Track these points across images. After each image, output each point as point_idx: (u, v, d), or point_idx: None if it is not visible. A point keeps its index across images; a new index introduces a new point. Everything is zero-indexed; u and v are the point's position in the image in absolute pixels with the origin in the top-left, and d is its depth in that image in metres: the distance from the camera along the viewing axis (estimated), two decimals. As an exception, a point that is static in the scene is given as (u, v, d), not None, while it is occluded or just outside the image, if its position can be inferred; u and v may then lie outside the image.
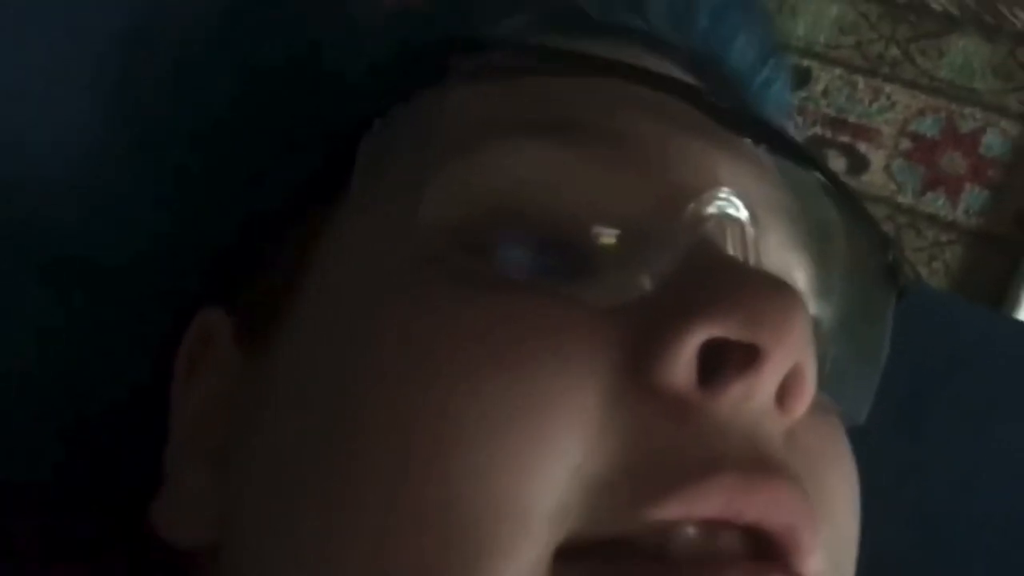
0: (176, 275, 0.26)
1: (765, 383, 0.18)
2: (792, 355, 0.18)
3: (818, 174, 0.21)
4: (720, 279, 0.18)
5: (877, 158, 0.87)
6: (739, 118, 0.21)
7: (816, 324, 0.22)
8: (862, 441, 0.22)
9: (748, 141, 0.21)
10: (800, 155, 0.21)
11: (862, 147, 0.88)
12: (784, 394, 0.18)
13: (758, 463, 0.17)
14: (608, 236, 0.20)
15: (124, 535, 0.22)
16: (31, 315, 0.25)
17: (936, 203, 0.86)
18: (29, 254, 0.25)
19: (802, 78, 0.87)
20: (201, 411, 0.23)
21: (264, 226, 0.25)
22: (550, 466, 0.17)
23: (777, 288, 0.18)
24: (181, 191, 0.26)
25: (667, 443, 0.17)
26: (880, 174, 0.87)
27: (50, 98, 0.25)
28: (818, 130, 0.88)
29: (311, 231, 0.23)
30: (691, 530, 0.17)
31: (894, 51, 0.88)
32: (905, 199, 0.87)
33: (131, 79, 0.26)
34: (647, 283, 0.19)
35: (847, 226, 0.23)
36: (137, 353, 0.26)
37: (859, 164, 0.87)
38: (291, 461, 0.20)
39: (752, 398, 0.18)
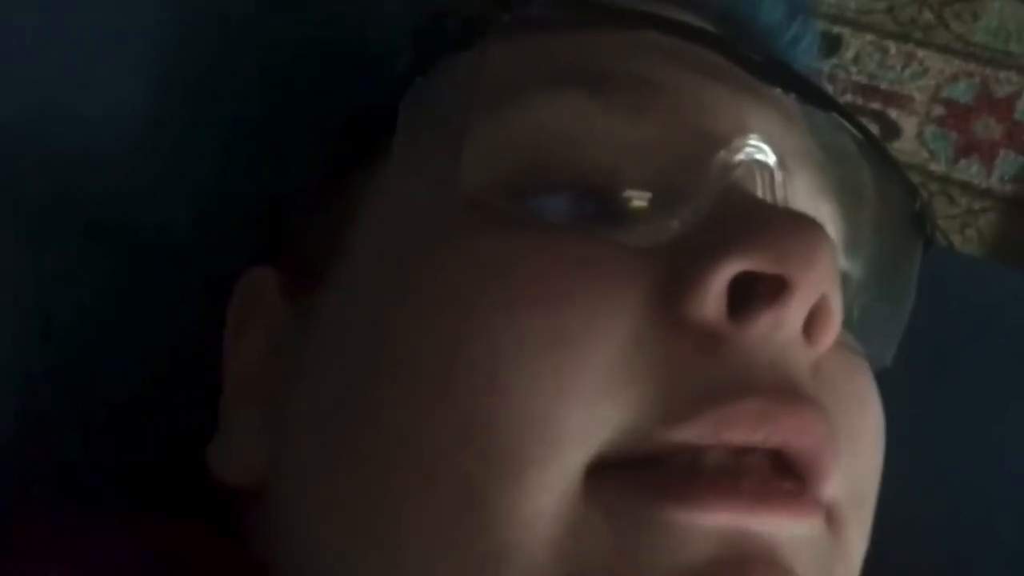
0: (226, 239, 0.27)
1: (793, 314, 0.18)
2: (819, 286, 0.18)
3: (846, 123, 0.22)
4: (749, 217, 0.19)
5: (909, 125, 0.86)
6: (769, 68, 0.21)
7: (845, 275, 0.23)
8: (889, 398, 0.22)
9: (778, 91, 0.21)
10: (830, 104, 0.22)
11: (894, 114, 0.86)
12: (811, 326, 0.19)
13: (785, 390, 0.18)
14: (641, 184, 0.20)
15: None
16: (81, 277, 0.26)
17: (970, 170, 0.85)
18: (83, 222, 0.26)
19: (832, 45, 0.86)
20: (252, 360, 0.24)
21: (310, 188, 0.26)
22: (582, 389, 0.18)
23: (803, 222, 0.19)
24: (231, 156, 0.27)
25: (697, 369, 0.18)
26: (912, 141, 0.86)
27: (107, 73, 0.25)
28: (849, 97, 0.87)
29: (355, 189, 0.23)
30: (718, 455, 0.18)
31: (927, 15, 0.87)
32: (938, 167, 0.85)
33: (181, 45, 0.26)
34: (679, 226, 0.20)
35: (875, 176, 0.23)
36: (186, 318, 0.26)
37: (891, 131, 0.86)
38: (338, 392, 0.21)
39: (780, 329, 0.18)
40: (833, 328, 0.19)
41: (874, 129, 0.85)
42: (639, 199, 0.20)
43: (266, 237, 0.26)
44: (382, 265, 0.21)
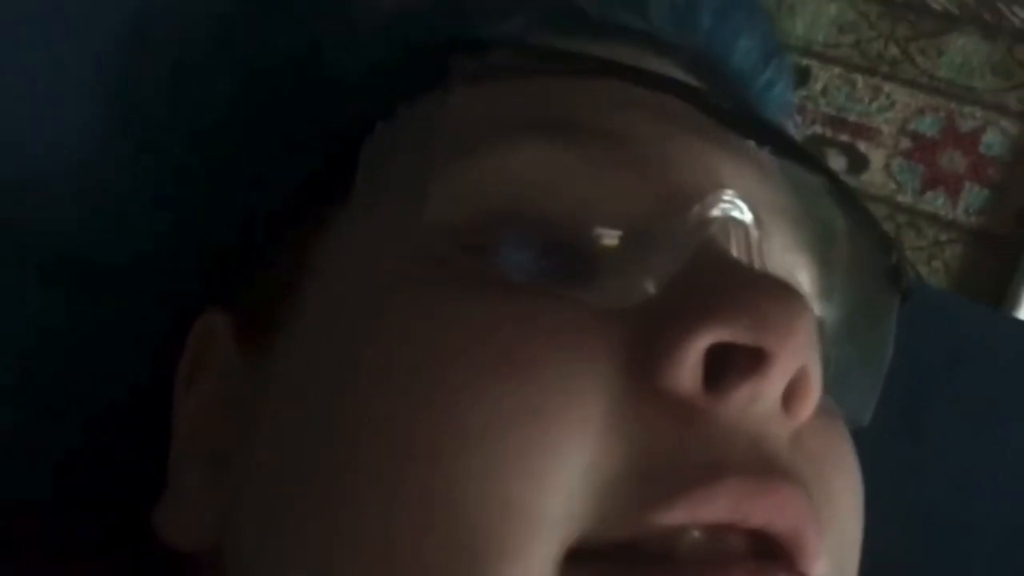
0: (177, 275, 0.26)
1: (771, 386, 0.18)
2: (798, 358, 0.18)
3: (820, 176, 0.21)
4: (725, 282, 0.18)
5: (877, 157, 0.87)
6: (742, 119, 0.21)
7: (820, 326, 0.22)
8: (862, 440, 0.22)
9: (751, 143, 0.21)
10: (803, 157, 0.21)
11: (862, 146, 0.87)
12: (790, 397, 0.18)
13: (764, 467, 0.17)
14: (611, 238, 0.20)
15: (126, 536, 0.22)
16: (31, 315, 0.25)
17: (936, 202, 0.86)
18: (29, 254, 0.25)
19: (801, 77, 0.87)
20: (203, 412, 0.23)
21: (265, 227, 0.25)
22: (556, 469, 0.17)
23: (782, 291, 0.18)
24: (181, 191, 0.26)
25: (673, 447, 0.17)
26: (880, 173, 0.87)
27: (50, 98, 0.25)
28: (818, 129, 0.87)
29: (312, 232, 0.23)
30: (697, 534, 0.17)
31: (893, 50, 0.88)
32: (905, 198, 0.87)
33: (131, 79, 0.26)
34: (651, 286, 0.19)
35: (850, 228, 0.23)
36: (138, 354, 0.26)
37: (859, 163, 0.87)
38: (292, 462, 0.20)
39: (758, 401, 0.18)
40: (812, 399, 0.18)
41: (842, 161, 0.87)
42: (608, 254, 0.19)
43: (222, 271, 0.25)
44: (338, 323, 0.20)
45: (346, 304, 0.20)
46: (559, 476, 0.17)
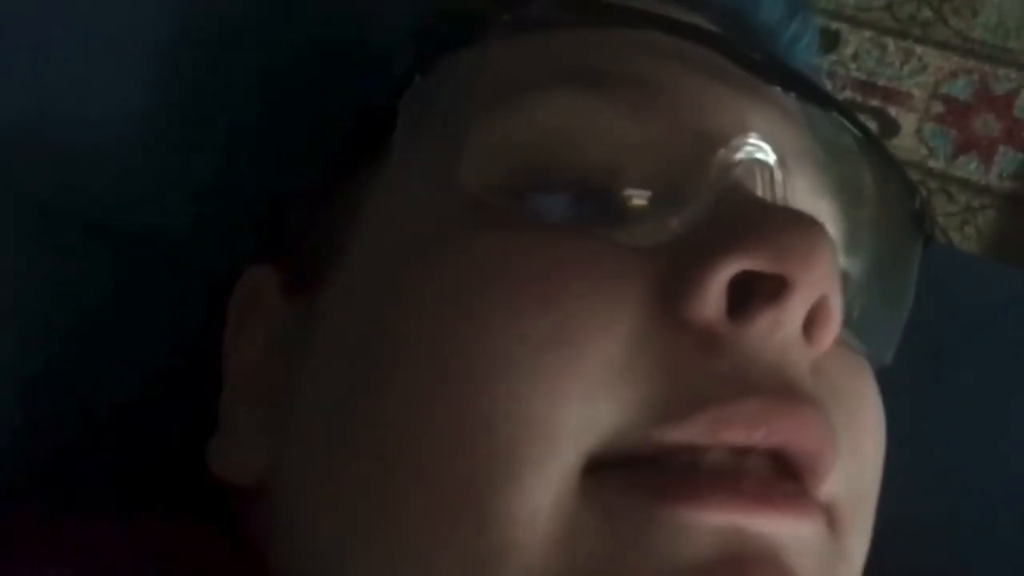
0: (227, 237, 0.27)
1: (792, 313, 0.18)
2: (818, 286, 0.18)
3: (846, 121, 0.22)
4: (749, 216, 0.19)
5: (908, 122, 0.86)
6: (769, 67, 0.21)
7: (844, 274, 0.23)
8: (889, 396, 0.22)
9: (777, 89, 0.21)
10: (829, 102, 0.22)
11: (892, 111, 0.86)
12: (811, 326, 0.19)
13: (784, 390, 0.18)
14: (641, 183, 0.20)
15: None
16: (82, 277, 0.26)
17: (968, 167, 0.85)
18: (78, 222, 0.26)
19: (831, 41, 0.86)
20: (252, 358, 0.24)
21: (310, 186, 0.26)
22: (580, 388, 0.18)
23: (803, 222, 0.19)
24: (231, 155, 0.27)
25: (696, 370, 0.18)
26: (911, 138, 0.86)
27: (102, 71, 0.25)
28: (848, 94, 0.86)
29: (355, 188, 0.23)
30: (717, 455, 0.18)
31: (926, 12, 0.87)
32: (937, 163, 0.85)
33: (182, 46, 0.26)
34: (679, 226, 0.20)
35: (874, 175, 0.23)
36: (187, 314, 0.27)
37: (890, 128, 0.86)
38: (338, 394, 0.21)
39: (779, 329, 0.18)
40: (832, 328, 0.19)
41: (873, 126, 0.85)
42: (639, 198, 0.20)
43: (266, 236, 0.26)
44: (381, 265, 0.21)
45: (387, 250, 0.21)
46: (581, 392, 0.18)
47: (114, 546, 0.21)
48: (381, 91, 0.24)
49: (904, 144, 0.86)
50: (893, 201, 0.23)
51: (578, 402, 0.18)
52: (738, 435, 0.18)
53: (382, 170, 0.23)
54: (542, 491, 0.18)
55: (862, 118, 0.22)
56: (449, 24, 0.23)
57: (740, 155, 0.20)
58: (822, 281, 0.18)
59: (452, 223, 0.20)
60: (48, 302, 0.25)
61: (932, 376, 0.32)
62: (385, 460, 0.19)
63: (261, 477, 0.22)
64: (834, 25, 0.86)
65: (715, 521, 0.17)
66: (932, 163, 0.86)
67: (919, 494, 0.29)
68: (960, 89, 0.86)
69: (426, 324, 0.19)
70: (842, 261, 0.23)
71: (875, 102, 0.86)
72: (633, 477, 0.18)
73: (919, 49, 0.86)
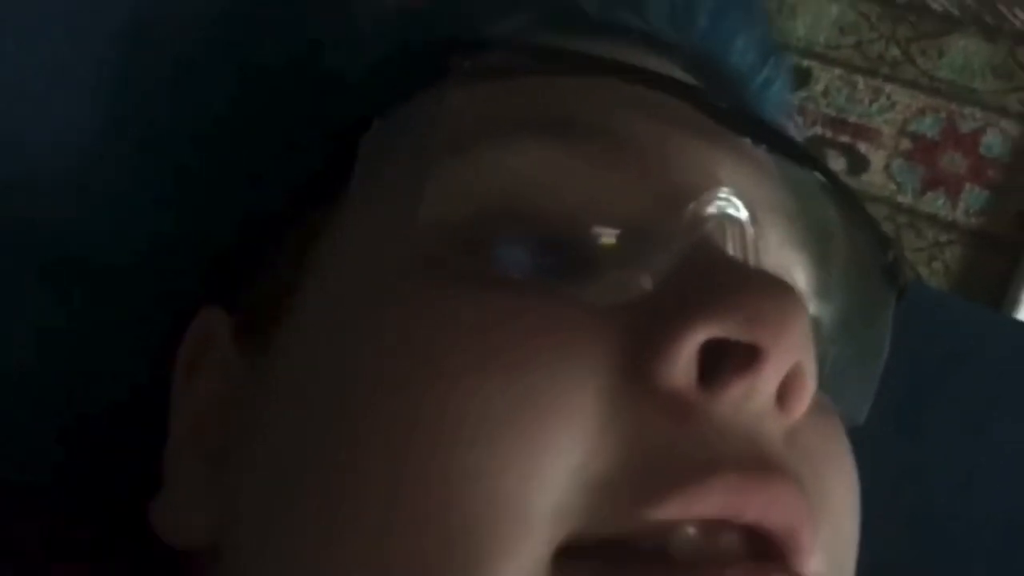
0: (176, 275, 0.26)
1: (765, 383, 0.18)
2: (792, 355, 0.18)
3: (817, 174, 0.21)
4: (720, 279, 0.18)
5: (877, 158, 0.87)
6: (738, 117, 0.21)
7: (816, 324, 0.22)
8: (861, 441, 0.22)
9: (748, 141, 0.21)
10: (799, 154, 0.21)
11: (862, 147, 0.88)
12: (784, 394, 0.18)
13: (758, 463, 0.17)
14: (608, 235, 0.20)
15: (124, 535, 0.22)
16: (31, 315, 0.25)
17: (936, 203, 0.86)
18: (29, 254, 0.25)
19: (802, 78, 0.87)
20: (200, 411, 0.23)
21: (264, 226, 0.25)
22: (550, 466, 0.17)
23: (777, 288, 0.18)
24: (181, 191, 0.26)
25: (667, 443, 0.17)
26: (880, 174, 0.87)
27: (50, 98, 0.25)
28: (818, 130, 0.88)
29: (311, 231, 0.23)
30: (691, 530, 0.17)
31: (894, 51, 0.88)
32: (905, 199, 0.87)
33: (131, 79, 0.26)
34: (647, 282, 0.19)
35: (847, 226, 0.23)
36: (137, 353, 0.26)
37: (859, 164, 0.87)
38: (290, 461, 0.20)
39: (752, 398, 0.18)
40: (807, 396, 0.18)
41: (842, 162, 0.87)
42: (604, 251, 0.20)
43: (221, 271, 0.25)
44: (335, 321, 0.20)
45: (344, 303, 0.21)
46: (551, 473, 0.17)
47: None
48: (340, 131, 0.23)
49: (873, 180, 0.87)
50: (865, 253, 0.23)
51: (550, 484, 0.17)
52: (712, 511, 0.17)
53: (339, 212, 0.22)
54: None
55: (831, 154, 0.22)
56: (409, 68, 0.22)
57: (711, 209, 0.20)
58: (796, 349, 0.17)
59: (411, 281, 0.20)
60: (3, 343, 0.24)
61: (903, 424, 0.32)
62: (337, 537, 0.18)
63: (209, 540, 0.21)
64: (805, 62, 0.88)
65: None
66: (901, 198, 0.87)
67: (891, 547, 0.29)
68: (928, 127, 0.87)
69: (383, 393, 0.18)
70: (814, 308, 0.22)
71: (845, 138, 0.88)
72: (605, 568, 0.17)
73: (888, 87, 0.88)
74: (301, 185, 0.24)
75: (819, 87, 0.88)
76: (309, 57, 0.25)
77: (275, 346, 0.22)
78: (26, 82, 0.25)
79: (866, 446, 0.22)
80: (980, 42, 0.86)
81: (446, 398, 0.17)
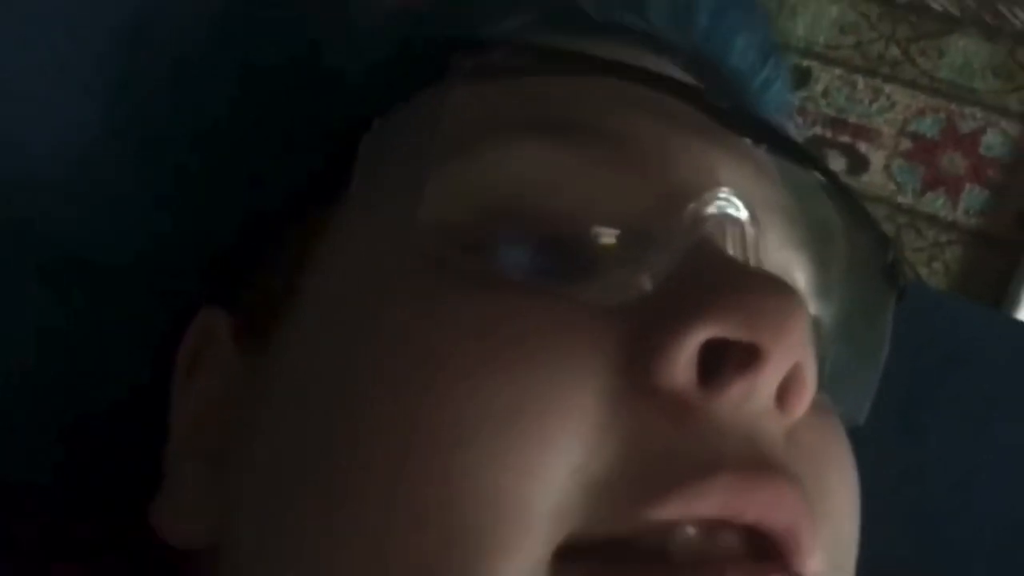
0: (176, 275, 0.26)
1: (765, 383, 0.18)
2: (792, 355, 0.18)
3: (818, 174, 0.21)
4: (720, 279, 0.18)
5: (877, 158, 0.87)
6: (738, 118, 0.21)
7: (816, 324, 0.22)
8: (861, 441, 0.22)
9: (748, 141, 0.21)
10: (800, 155, 0.21)
11: (862, 147, 0.88)
12: (784, 394, 0.18)
13: (758, 463, 0.17)
14: (608, 236, 0.20)
15: (124, 535, 0.22)
16: (31, 315, 0.25)
17: (936, 203, 0.86)
18: (29, 254, 0.25)
19: (802, 78, 0.87)
20: (200, 411, 0.23)
21: (264, 226, 0.25)
22: (550, 465, 0.17)
23: (777, 288, 0.18)
24: (181, 191, 0.26)
25: (667, 443, 0.17)
26: (880, 174, 0.87)
27: (50, 98, 0.25)
28: (818, 130, 0.88)
29: (311, 231, 0.23)
30: (691, 530, 0.17)
31: (894, 51, 0.88)
32: (905, 199, 0.87)
33: (131, 79, 0.26)
34: (647, 283, 0.19)
35: (847, 226, 0.23)
36: (137, 353, 0.26)
37: (859, 164, 0.87)
38: (290, 460, 0.20)
39: (752, 398, 0.18)
40: (807, 396, 0.18)
41: (842, 162, 0.87)
42: (605, 252, 0.20)
43: (221, 271, 0.25)
44: (335, 322, 0.20)
45: (345, 303, 0.21)
46: (551, 472, 0.17)
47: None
48: (340, 131, 0.23)
49: (873, 180, 0.87)
50: (865, 253, 0.23)
51: (550, 484, 0.17)
52: (712, 511, 0.17)
53: (339, 212, 0.22)
54: None
55: (831, 154, 0.22)
56: (409, 68, 0.22)
57: (711, 209, 0.20)
58: (796, 349, 0.17)
59: (410, 281, 0.20)
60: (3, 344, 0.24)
61: (901, 425, 0.32)
62: (336, 536, 0.18)
63: (208, 538, 0.21)
64: (805, 62, 0.88)
65: None
66: (901, 199, 0.87)
67: (890, 547, 0.29)
68: (928, 127, 0.87)
69: (382, 393, 0.18)
70: (814, 308, 0.22)
71: (845, 138, 0.88)
72: (604, 568, 0.17)
73: (888, 87, 0.88)
74: (301, 185, 0.24)
75: (819, 87, 0.88)
76: (309, 57, 0.25)
77: (275, 346, 0.22)
78: (26, 83, 0.25)
79: (866, 446, 0.22)
80: (980, 42, 0.86)
81: (446, 397, 0.17)
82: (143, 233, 0.26)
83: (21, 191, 0.25)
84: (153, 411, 0.24)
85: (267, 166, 0.25)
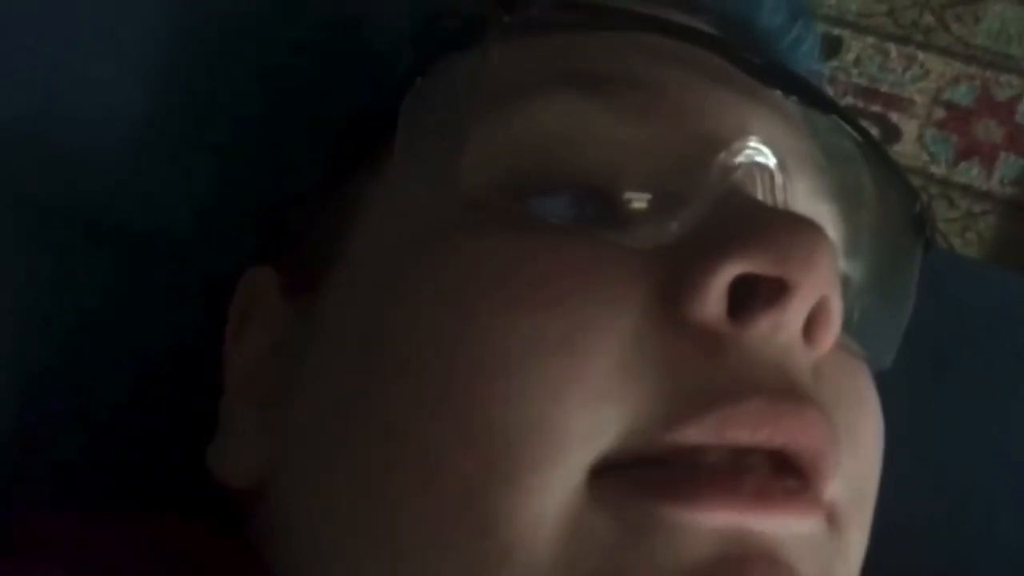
0: (224, 241, 0.27)
1: (793, 315, 0.18)
2: (819, 288, 0.18)
3: (847, 125, 0.22)
4: (749, 219, 0.19)
5: (910, 128, 0.86)
6: (769, 70, 0.21)
7: (844, 277, 0.23)
8: (889, 396, 0.22)
9: (778, 93, 0.21)
10: (829, 106, 0.22)
11: (894, 116, 0.87)
12: (811, 328, 0.19)
13: (787, 390, 0.18)
14: (641, 185, 0.20)
15: (177, 482, 0.23)
16: (82, 279, 0.26)
17: (970, 173, 0.85)
18: (79, 221, 0.26)
19: (833, 47, 0.86)
20: (252, 361, 0.24)
21: (310, 189, 0.26)
22: (584, 392, 0.18)
23: (804, 226, 0.19)
24: (228, 156, 0.27)
25: (699, 372, 0.18)
26: (913, 144, 0.86)
27: (102, 70, 0.25)
28: (850, 100, 0.87)
29: (356, 189, 0.24)
30: (720, 453, 0.18)
31: (928, 18, 0.87)
32: (938, 169, 0.86)
33: (178, 48, 0.26)
34: (679, 228, 0.20)
35: (875, 179, 0.23)
36: (187, 313, 0.27)
37: (891, 134, 0.86)
38: (339, 398, 0.21)
39: (780, 331, 0.18)
40: (833, 330, 0.19)
41: (874, 132, 0.85)
42: (639, 200, 0.20)
43: (266, 237, 0.26)
44: (382, 266, 0.21)
45: (388, 250, 0.22)
46: (586, 396, 0.18)
47: (115, 546, 0.21)
48: (382, 92, 0.24)
49: (906, 150, 0.86)
50: (893, 205, 0.23)
51: (584, 406, 0.18)
52: (742, 434, 0.18)
53: (382, 171, 0.23)
54: (546, 494, 0.18)
55: (863, 123, 0.22)
56: (449, 26, 0.23)
57: (740, 158, 0.20)
58: (822, 284, 0.18)
59: (453, 225, 0.20)
60: (48, 303, 0.25)
61: (933, 378, 0.33)
62: (385, 461, 0.19)
63: (262, 479, 0.22)
64: (836, 31, 0.87)
65: (716, 520, 0.18)
66: (934, 169, 0.86)
67: (919, 495, 0.29)
68: (962, 95, 0.86)
69: (428, 326, 0.19)
70: (842, 265, 0.23)
71: (877, 108, 0.87)
72: (637, 479, 0.18)
73: (921, 55, 0.86)
74: (346, 147, 0.25)
75: (851, 56, 0.87)
76: (354, 22, 0.26)
77: (321, 296, 0.23)
78: (77, 53, 0.26)
79: (895, 404, 0.22)
80: (1017, 7, 0.84)
81: (487, 328, 0.19)
82: (192, 201, 0.27)
83: (73, 162, 0.26)
84: (202, 369, 0.25)
85: (313, 131, 0.26)
